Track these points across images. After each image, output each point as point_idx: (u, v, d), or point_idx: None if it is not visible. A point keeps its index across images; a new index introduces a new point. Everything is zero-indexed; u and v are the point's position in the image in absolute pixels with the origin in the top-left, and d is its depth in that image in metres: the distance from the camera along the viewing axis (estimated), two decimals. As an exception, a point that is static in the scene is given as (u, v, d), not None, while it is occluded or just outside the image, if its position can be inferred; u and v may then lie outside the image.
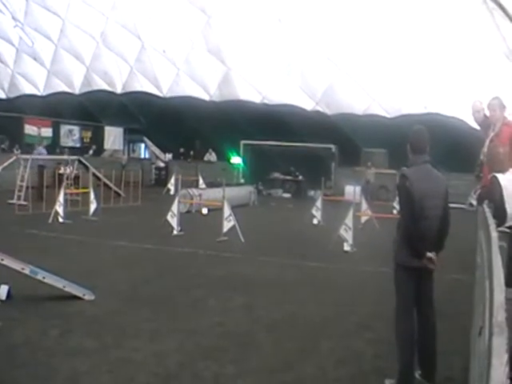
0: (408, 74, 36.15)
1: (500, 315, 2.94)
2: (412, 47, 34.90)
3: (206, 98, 45.75)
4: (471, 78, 33.04)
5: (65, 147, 43.48)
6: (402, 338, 7.38)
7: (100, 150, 48.21)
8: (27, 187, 26.47)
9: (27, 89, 53.71)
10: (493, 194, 7.91)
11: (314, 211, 24.86)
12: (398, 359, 7.38)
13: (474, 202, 10.60)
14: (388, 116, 39.17)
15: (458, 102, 33.47)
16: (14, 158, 29.54)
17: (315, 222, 24.48)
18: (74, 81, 50.93)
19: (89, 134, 49.37)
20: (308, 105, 42.12)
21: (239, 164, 43.16)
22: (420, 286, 7.51)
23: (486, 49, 32.47)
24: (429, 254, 7.27)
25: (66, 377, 7.39)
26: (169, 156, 46.04)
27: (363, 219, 22.70)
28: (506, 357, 2.53)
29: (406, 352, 7.32)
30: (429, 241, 7.37)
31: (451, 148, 32.93)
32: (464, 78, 33.66)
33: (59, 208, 22.13)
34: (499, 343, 2.65)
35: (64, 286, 10.98)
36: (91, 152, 46.27)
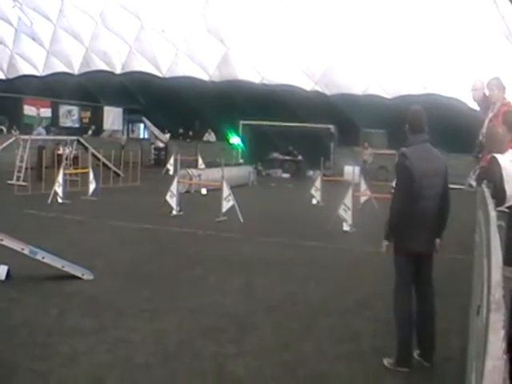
0: (407, 55, 36.11)
1: (497, 292, 2.94)
2: (411, 27, 34.85)
3: (206, 78, 45.70)
4: (471, 58, 33.01)
5: (62, 127, 43.47)
6: (400, 318, 7.40)
7: (99, 130, 48.14)
8: (26, 168, 26.43)
9: (26, 69, 53.59)
10: (492, 175, 7.88)
11: (313, 191, 24.85)
12: (396, 338, 7.42)
13: (473, 183, 10.57)
14: (387, 96, 39.12)
15: (457, 83, 33.45)
16: (13, 138, 29.46)
17: (314, 202, 24.48)
18: (73, 61, 50.83)
19: (88, 115, 49.32)
20: (307, 85, 42.07)
21: (238, 144, 43.07)
22: (419, 266, 7.54)
23: (485, 29, 32.42)
24: (385, 243, 7.48)
25: (65, 356, 7.40)
26: (167, 136, 45.90)
27: (362, 199, 22.70)
28: (502, 333, 2.53)
29: (405, 331, 7.35)
30: (429, 220, 7.39)
31: (450, 129, 32.89)
32: (463, 58, 33.63)
33: (58, 188, 22.13)
34: (496, 319, 2.66)
35: (63, 266, 10.99)
36: (90, 132, 46.19)
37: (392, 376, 7.15)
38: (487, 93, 10.05)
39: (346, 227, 18.11)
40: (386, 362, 7.47)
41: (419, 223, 7.35)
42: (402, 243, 7.38)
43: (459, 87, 32.24)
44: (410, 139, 7.57)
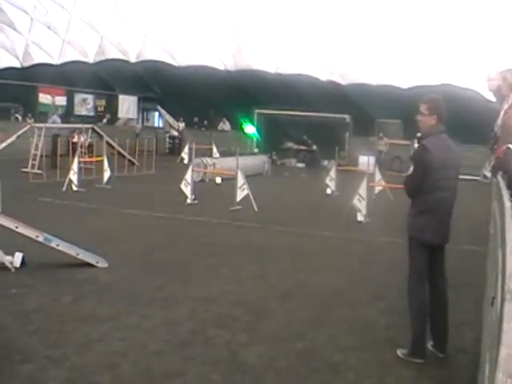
0: (423, 45, 35.98)
1: (512, 282, 2.92)
2: (427, 17, 34.68)
3: (221, 67, 45.65)
4: (486, 48, 32.81)
5: (78, 115, 43.61)
6: (414, 309, 7.40)
7: (114, 118, 48.23)
8: (41, 156, 26.51)
9: (41, 58, 53.65)
10: (507, 166, 7.84)
11: (327, 181, 24.77)
12: (410, 329, 7.40)
13: (488, 174, 10.56)
14: (402, 87, 38.97)
15: (473, 74, 33.29)
16: (28, 126, 29.53)
17: (329, 191, 24.41)
18: (88, 50, 50.85)
19: (103, 103, 49.45)
20: (322, 75, 41.96)
21: (253, 133, 43.02)
22: (432, 257, 7.48)
23: (501, 19, 32.21)
24: None
25: (79, 343, 7.43)
26: (182, 125, 45.91)
27: (377, 190, 22.61)
28: None
29: (419, 322, 7.34)
30: (444, 212, 7.41)
31: (466, 120, 32.73)
32: (479, 48, 33.45)
33: (73, 176, 22.17)
34: (511, 309, 2.64)
35: (77, 254, 11.02)
36: (105, 121, 46.29)
37: (405, 367, 7.13)
38: (502, 84, 9.98)
39: (360, 217, 18.07)
40: (399, 352, 7.45)
41: (434, 214, 7.31)
42: (417, 234, 7.37)
43: (475, 78, 32.10)
44: (429, 129, 7.44)
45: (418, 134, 7.71)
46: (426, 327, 7.37)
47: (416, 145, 9.46)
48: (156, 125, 52.60)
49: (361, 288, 10.68)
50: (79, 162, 23.26)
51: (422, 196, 7.31)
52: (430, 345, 7.53)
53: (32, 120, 37.54)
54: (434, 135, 7.38)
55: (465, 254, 13.39)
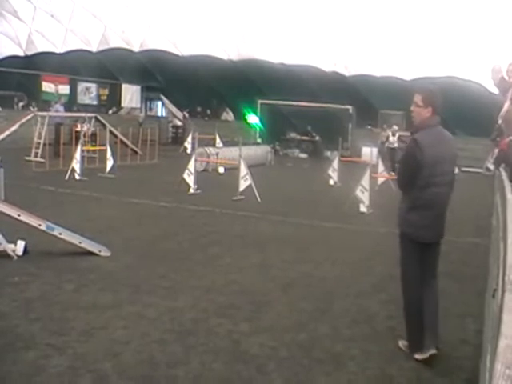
0: (427, 37, 35.87)
1: (513, 273, 2.93)
2: (431, 9, 34.60)
3: (224, 57, 45.58)
4: (490, 41, 32.73)
5: (81, 104, 43.64)
6: (409, 305, 7.23)
7: (117, 107, 48.26)
8: (44, 144, 26.56)
9: (44, 46, 53.60)
10: (510, 158, 7.85)
11: (330, 172, 24.80)
12: (406, 325, 7.28)
13: (491, 167, 10.55)
14: (406, 78, 38.89)
15: (476, 66, 33.22)
16: (32, 115, 29.54)
17: (331, 182, 24.43)
18: (92, 38, 50.79)
19: (106, 92, 49.37)
20: (326, 65, 41.90)
21: (256, 123, 43.02)
22: (426, 254, 7.23)
23: (505, 12, 32.12)
24: None
25: (81, 331, 7.45)
26: (186, 114, 45.89)
27: (380, 181, 22.61)
28: None
29: (414, 318, 7.15)
30: (439, 209, 7.18)
31: (469, 112, 32.79)
32: (483, 41, 33.36)
33: (76, 165, 22.24)
34: (511, 299, 2.65)
35: (80, 242, 11.06)
36: (111, 112, 46.35)
37: (407, 357, 7.13)
38: (506, 76, 9.98)
39: (362, 208, 18.09)
40: (401, 344, 7.42)
41: (429, 212, 7.08)
42: (410, 230, 7.13)
43: (479, 71, 32.04)
44: (424, 121, 7.11)
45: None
46: (422, 322, 7.08)
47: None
48: (159, 114, 52.58)
49: (363, 279, 10.69)
50: (82, 151, 23.32)
51: (415, 191, 7.04)
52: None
53: (35, 109, 37.52)
54: (429, 128, 7.08)
55: (468, 246, 13.38)
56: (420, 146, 6.90)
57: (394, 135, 30.41)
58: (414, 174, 6.94)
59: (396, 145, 29.64)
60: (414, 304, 7.15)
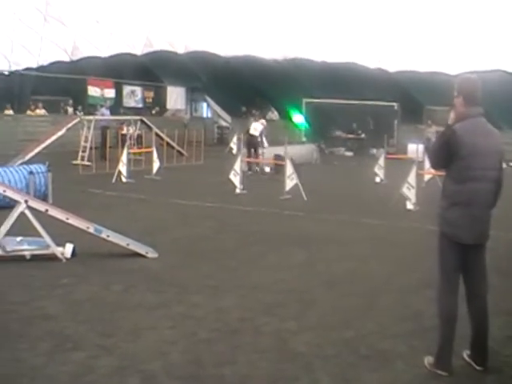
0: (472, 31, 35.46)
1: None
2: (478, 2, 34.24)
3: (267, 56, 45.56)
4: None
5: (127, 107, 43.99)
6: (442, 315, 6.66)
7: (162, 109, 48.55)
8: (91, 148, 26.83)
9: (89, 51, 54.07)
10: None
11: (376, 169, 24.64)
12: (438, 335, 6.73)
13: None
14: (452, 73, 38.52)
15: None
16: (78, 119, 29.83)
17: (377, 180, 24.28)
18: (136, 42, 51.12)
19: (151, 94, 49.66)
20: (370, 62, 41.68)
21: (301, 122, 42.95)
22: (469, 258, 6.56)
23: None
24: None
25: (129, 332, 7.53)
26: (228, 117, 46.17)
27: (426, 178, 22.40)
28: None
29: (446, 330, 6.61)
30: (478, 207, 6.42)
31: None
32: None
33: (122, 168, 22.41)
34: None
35: (127, 244, 11.15)
36: (154, 112, 46.64)
37: (457, 356, 6.84)
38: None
39: (409, 205, 17.96)
40: (426, 361, 6.82)
41: (466, 210, 6.39)
42: (449, 230, 6.50)
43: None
44: (463, 113, 6.45)
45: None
46: (453, 334, 6.61)
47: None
48: (204, 115, 52.76)
49: (409, 276, 10.61)
50: (128, 154, 23.46)
51: (454, 186, 6.48)
52: (466, 354, 6.87)
53: (82, 113, 37.93)
54: (468, 119, 6.43)
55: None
56: (456, 132, 6.36)
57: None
58: (450, 163, 6.42)
59: None
60: (445, 314, 6.62)
